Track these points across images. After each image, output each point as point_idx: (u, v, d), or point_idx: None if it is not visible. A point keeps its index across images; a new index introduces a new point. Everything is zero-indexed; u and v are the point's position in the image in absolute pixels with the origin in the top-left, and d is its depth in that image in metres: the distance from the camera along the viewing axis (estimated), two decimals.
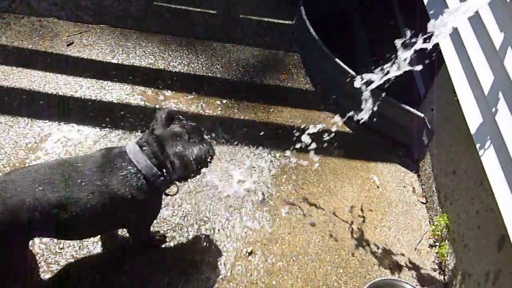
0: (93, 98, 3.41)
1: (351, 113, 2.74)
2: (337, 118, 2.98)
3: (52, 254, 2.57)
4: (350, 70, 3.42)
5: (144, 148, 2.20)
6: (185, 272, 2.62)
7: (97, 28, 3.97)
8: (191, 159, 2.22)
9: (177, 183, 2.37)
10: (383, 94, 3.06)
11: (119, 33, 3.97)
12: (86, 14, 4.04)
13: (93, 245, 2.64)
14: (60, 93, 3.39)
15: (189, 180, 2.39)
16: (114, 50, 3.80)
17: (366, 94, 2.58)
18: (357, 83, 2.57)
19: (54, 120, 3.21)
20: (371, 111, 2.66)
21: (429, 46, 2.23)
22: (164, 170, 2.20)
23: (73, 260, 2.58)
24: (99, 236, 2.66)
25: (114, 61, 3.72)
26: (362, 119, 2.69)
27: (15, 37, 3.71)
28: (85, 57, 3.70)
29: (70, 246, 2.61)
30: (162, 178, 2.20)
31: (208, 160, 2.32)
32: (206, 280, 2.62)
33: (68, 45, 3.76)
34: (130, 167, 2.16)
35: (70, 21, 3.97)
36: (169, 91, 3.58)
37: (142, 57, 3.80)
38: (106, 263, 2.61)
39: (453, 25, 2.20)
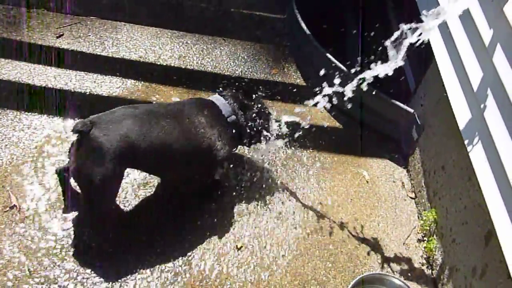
0: (83, 91, 3.38)
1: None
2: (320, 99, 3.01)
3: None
4: (340, 65, 3.42)
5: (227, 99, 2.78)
6: (174, 267, 2.64)
7: (87, 20, 3.95)
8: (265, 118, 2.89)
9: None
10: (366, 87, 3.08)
11: (110, 25, 3.95)
12: (76, 6, 4.00)
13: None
14: (50, 86, 3.37)
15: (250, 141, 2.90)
16: (104, 43, 3.78)
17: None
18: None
19: (44, 113, 3.19)
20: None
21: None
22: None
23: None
24: None
25: (104, 53, 3.70)
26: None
27: (4, 28, 3.68)
28: (75, 49, 3.67)
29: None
30: (234, 117, 2.75)
31: (268, 130, 2.93)
32: (196, 274, 2.62)
33: (58, 37, 3.73)
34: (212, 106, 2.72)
35: (60, 12, 3.94)
36: (159, 84, 3.57)
37: (133, 49, 3.78)
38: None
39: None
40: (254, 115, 2.84)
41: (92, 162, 2.25)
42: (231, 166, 3.08)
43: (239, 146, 2.99)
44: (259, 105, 2.89)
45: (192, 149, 2.56)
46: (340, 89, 2.69)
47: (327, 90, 2.73)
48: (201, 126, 2.59)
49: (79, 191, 2.55)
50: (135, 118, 2.37)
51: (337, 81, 2.69)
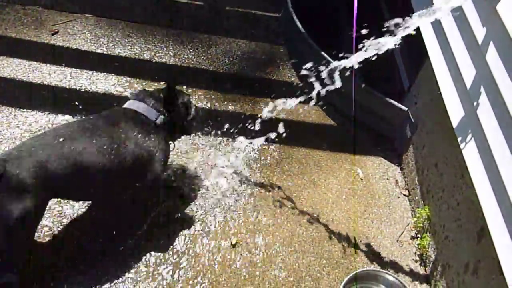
0: (77, 88, 3.39)
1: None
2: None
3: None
4: (336, 64, 3.43)
5: (143, 99, 2.56)
6: (170, 263, 2.64)
7: (83, 17, 3.95)
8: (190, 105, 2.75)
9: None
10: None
11: (105, 23, 3.95)
12: (72, 3, 4.01)
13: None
14: (45, 83, 3.37)
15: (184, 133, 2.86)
16: (99, 40, 3.78)
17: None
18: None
19: (38, 110, 3.19)
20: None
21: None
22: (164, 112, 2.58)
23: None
24: None
25: (99, 51, 3.71)
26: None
27: None
28: (70, 47, 3.67)
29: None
30: (162, 116, 2.55)
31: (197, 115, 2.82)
32: (190, 270, 2.63)
33: (52, 34, 3.73)
34: (134, 115, 2.49)
35: (55, 10, 3.95)
36: (154, 81, 3.57)
37: (128, 47, 3.79)
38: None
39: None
40: (179, 107, 2.69)
41: (10, 200, 2.03)
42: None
43: None
44: (180, 95, 2.73)
45: (123, 167, 2.35)
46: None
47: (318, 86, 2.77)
48: (129, 141, 2.37)
49: None
50: (47, 146, 2.14)
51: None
